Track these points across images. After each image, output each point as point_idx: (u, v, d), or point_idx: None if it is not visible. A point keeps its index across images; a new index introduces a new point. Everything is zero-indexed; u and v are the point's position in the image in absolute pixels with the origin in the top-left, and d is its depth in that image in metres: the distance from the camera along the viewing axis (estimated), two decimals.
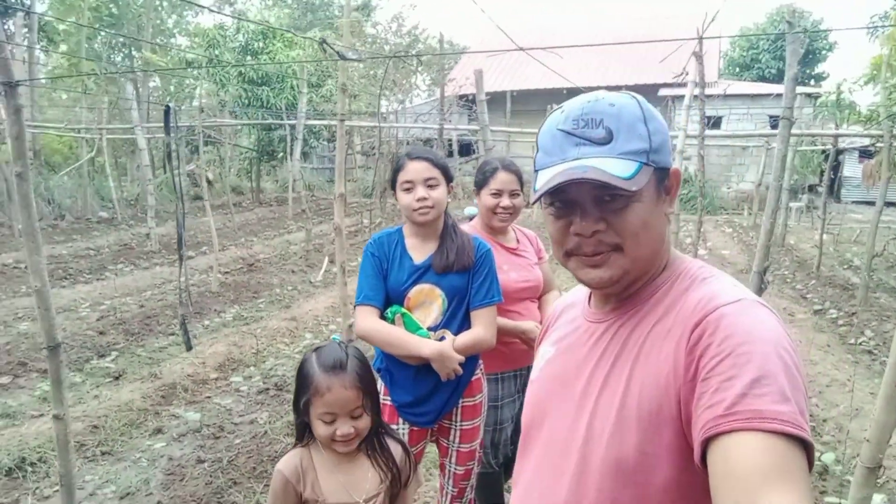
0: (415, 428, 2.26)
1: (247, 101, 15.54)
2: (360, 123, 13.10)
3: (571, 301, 1.23)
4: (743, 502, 0.71)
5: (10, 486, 3.22)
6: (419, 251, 2.23)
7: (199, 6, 18.25)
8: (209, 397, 4.38)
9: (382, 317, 2.16)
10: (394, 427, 2.23)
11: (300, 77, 10.69)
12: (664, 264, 1.03)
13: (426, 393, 2.20)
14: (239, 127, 17.99)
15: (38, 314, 2.30)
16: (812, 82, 29.48)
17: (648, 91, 19.15)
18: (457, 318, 2.22)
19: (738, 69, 31.35)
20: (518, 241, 2.68)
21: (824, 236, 9.06)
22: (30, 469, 3.33)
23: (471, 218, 2.74)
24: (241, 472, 3.37)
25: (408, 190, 2.14)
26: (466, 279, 2.23)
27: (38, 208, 12.50)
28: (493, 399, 2.55)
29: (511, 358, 2.58)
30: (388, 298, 2.20)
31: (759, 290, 3.75)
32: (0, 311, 6.30)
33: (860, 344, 5.67)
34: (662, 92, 18.08)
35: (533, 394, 1.15)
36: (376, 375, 2.18)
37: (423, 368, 2.14)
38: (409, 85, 18.36)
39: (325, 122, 13.32)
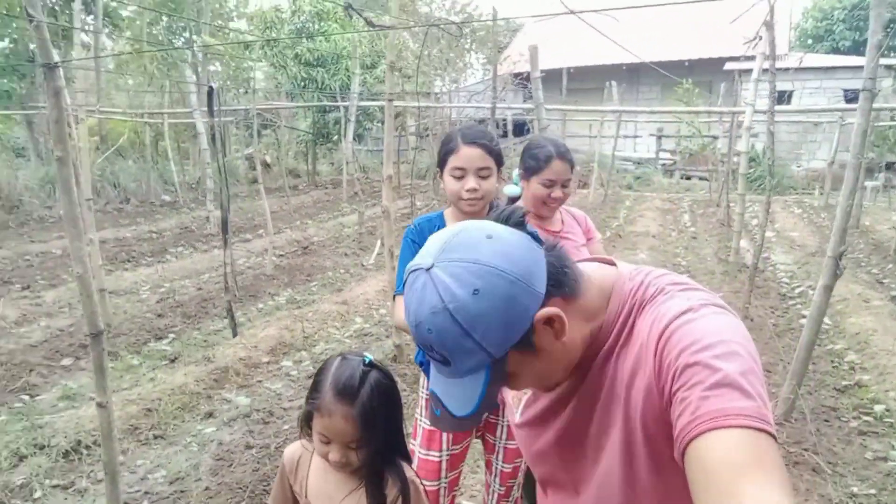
0: (455, 449, 2.17)
1: (303, 84, 15.64)
2: (410, 104, 13.00)
3: None
4: (722, 496, 0.71)
5: (67, 468, 3.30)
6: None
7: None
8: (260, 381, 4.41)
9: None
10: (436, 455, 2.16)
11: (353, 57, 10.60)
12: (605, 303, 0.98)
13: None
14: (296, 110, 18.22)
15: (81, 300, 2.29)
16: (892, 54, 27.66)
17: (713, 65, 18.36)
18: None
19: (810, 41, 29.72)
20: (563, 222, 2.53)
21: None
22: (85, 452, 3.41)
23: (512, 199, 2.59)
24: None
25: (458, 177, 2.00)
26: None
27: (104, 192, 12.97)
28: None
29: None
30: None
31: (834, 277, 3.49)
32: (66, 294, 6.52)
33: None
34: (729, 66, 17.29)
35: (521, 440, 1.16)
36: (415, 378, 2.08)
37: None
38: (463, 64, 18.13)
39: (377, 104, 13.24)
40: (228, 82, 18.67)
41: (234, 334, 5.06)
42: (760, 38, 5.80)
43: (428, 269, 0.87)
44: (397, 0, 4.54)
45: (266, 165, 18.57)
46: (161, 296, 6.60)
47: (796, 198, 14.94)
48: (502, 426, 2.21)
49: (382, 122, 17.38)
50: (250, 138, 19.41)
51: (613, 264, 1.06)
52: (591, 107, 12.11)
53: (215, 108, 4.56)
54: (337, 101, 13.98)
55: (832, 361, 4.73)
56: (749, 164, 12.93)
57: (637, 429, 0.91)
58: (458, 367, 0.87)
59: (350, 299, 6.29)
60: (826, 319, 5.06)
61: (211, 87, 4.56)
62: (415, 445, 2.19)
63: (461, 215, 2.08)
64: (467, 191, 1.99)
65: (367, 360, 1.49)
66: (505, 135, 19.32)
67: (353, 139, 14.13)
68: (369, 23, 3.03)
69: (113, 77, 18.27)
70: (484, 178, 2.01)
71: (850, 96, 17.37)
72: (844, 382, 4.32)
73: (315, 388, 1.45)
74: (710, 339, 0.82)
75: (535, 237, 0.94)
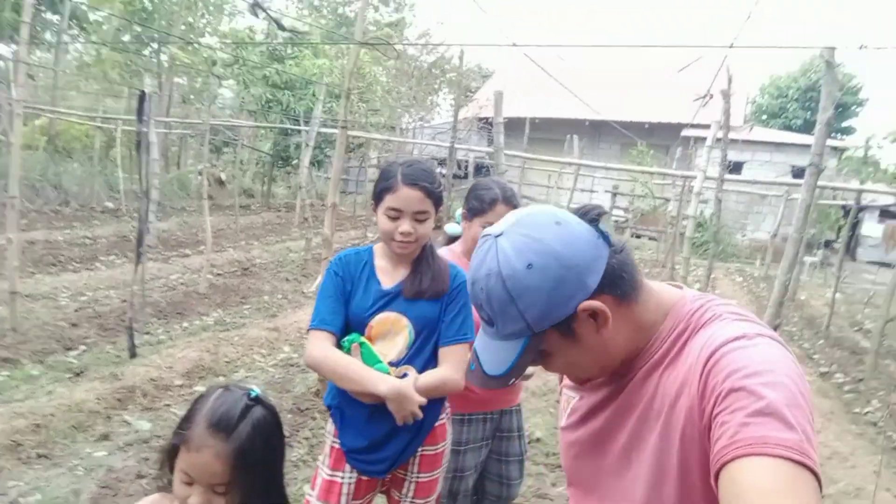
0: (364, 477, 1.99)
1: (267, 105, 15.48)
2: (373, 136, 12.95)
3: None
4: None
5: None
6: (389, 275, 1.98)
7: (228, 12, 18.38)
8: (168, 405, 4.14)
9: (339, 345, 1.91)
10: (339, 475, 1.98)
11: (319, 83, 10.52)
12: (663, 313, 1.00)
13: (381, 437, 1.93)
14: (260, 131, 18.00)
15: None
16: (839, 136, 29.12)
17: (671, 130, 18.94)
18: (423, 354, 1.96)
19: (765, 116, 31.10)
20: None
21: (837, 295, 8.72)
22: None
23: (452, 239, 2.48)
24: None
25: (393, 218, 1.86)
26: (438, 310, 1.97)
27: (43, 192, 12.44)
28: (456, 443, 2.29)
29: (481, 399, 2.33)
30: (348, 326, 1.94)
31: None
32: None
33: (866, 414, 5.34)
34: (686, 132, 17.85)
35: (564, 444, 1.17)
36: (322, 420, 1.91)
37: (379, 409, 1.86)
38: (430, 103, 18.28)
39: (329, 131, 13.15)
40: (192, 96, 18.39)
41: (132, 356, 4.72)
42: (711, 96, 5.93)
43: (496, 237, 0.94)
44: (361, 27, 4.47)
45: (220, 182, 18.23)
46: (81, 304, 6.25)
47: (738, 266, 15.35)
48: (411, 482, 2.05)
49: (347, 150, 17.30)
50: (211, 154, 19.11)
51: (680, 288, 1.07)
52: (550, 157, 12.25)
53: (145, 116, 4.36)
54: (299, 126, 13.84)
55: None
56: (696, 229, 13.26)
57: (673, 448, 0.90)
58: (499, 329, 0.94)
59: (282, 326, 6.06)
60: None
61: (143, 93, 4.39)
62: (311, 496, 2.01)
63: (391, 254, 1.97)
64: (401, 233, 1.86)
65: (253, 394, 1.32)
66: (465, 175, 19.44)
67: (313, 165, 14.01)
68: (279, 25, 2.93)
69: (74, 79, 17.80)
70: (420, 221, 1.88)
71: (798, 172, 18.10)
72: None
73: (186, 419, 1.27)
74: (758, 367, 0.82)
75: (606, 237, 0.96)
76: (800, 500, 0.70)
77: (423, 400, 1.81)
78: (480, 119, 15.89)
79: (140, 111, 4.42)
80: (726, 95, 6.29)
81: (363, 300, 1.93)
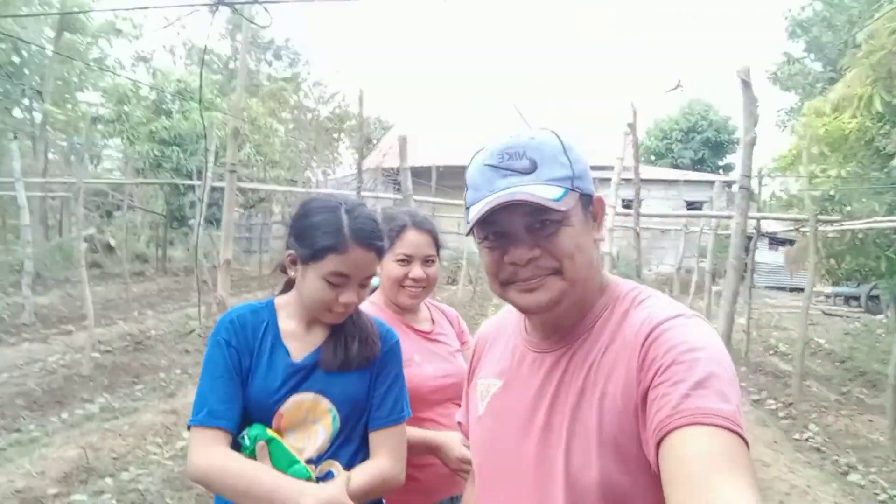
0: None
1: (156, 163, 14.56)
2: (272, 187, 12.37)
3: (500, 325, 1.26)
4: (692, 487, 0.74)
5: None
6: (300, 342, 1.48)
7: (112, 71, 17.39)
8: None
9: (236, 444, 1.39)
10: None
11: (208, 135, 9.89)
12: (601, 288, 1.06)
13: None
14: (153, 191, 16.90)
15: None
16: (721, 172, 31.12)
17: None
18: (351, 444, 1.49)
19: (653, 157, 32.83)
20: (433, 320, 2.02)
21: (750, 321, 8.89)
22: None
23: (371, 291, 2.07)
24: None
25: (334, 285, 1.40)
26: (367, 383, 1.51)
27: None
28: None
29: (426, 487, 1.86)
30: (246, 414, 1.42)
31: None
32: None
33: (807, 440, 5.28)
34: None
35: (484, 431, 1.15)
36: None
37: None
38: (332, 155, 17.89)
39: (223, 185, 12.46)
40: (73, 156, 17.14)
41: None
42: (680, 83, 5.88)
43: None
44: (240, 92, 4.01)
45: (109, 248, 16.88)
46: None
47: None
48: None
49: (243, 207, 16.48)
50: (101, 218, 17.72)
51: None
52: (461, 201, 12.11)
53: None
54: (192, 182, 13.05)
55: None
56: (612, 266, 13.44)
57: (609, 415, 0.93)
58: (543, 173, 0.98)
59: (182, 407, 5.33)
60: None
61: None
62: None
63: (300, 312, 1.50)
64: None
65: None
66: None
67: (210, 223, 13.18)
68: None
69: None
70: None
71: (691, 207, 18.97)
72: None
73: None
74: (697, 343, 0.88)
75: None
76: (736, 464, 0.75)
77: None
78: (385, 169, 15.64)
79: None
80: (632, 129, 6.32)
81: (269, 379, 1.42)
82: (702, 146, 32.12)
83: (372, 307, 1.89)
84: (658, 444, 0.82)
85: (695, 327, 0.92)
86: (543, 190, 0.95)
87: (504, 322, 1.23)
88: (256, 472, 1.33)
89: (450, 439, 1.74)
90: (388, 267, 1.86)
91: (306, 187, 16.17)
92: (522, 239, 0.99)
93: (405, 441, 1.56)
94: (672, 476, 0.78)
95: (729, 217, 10.23)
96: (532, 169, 0.97)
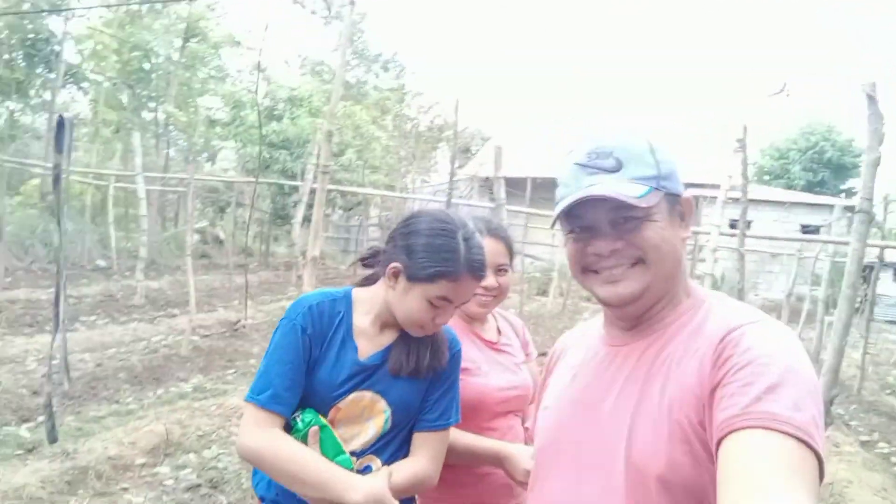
0: None
1: (266, 164, 15.29)
2: (369, 191, 12.64)
3: (580, 334, 1.26)
4: (749, 490, 0.71)
5: None
6: (370, 341, 1.46)
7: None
8: (125, 489, 3.58)
9: (288, 427, 1.38)
10: None
11: (312, 140, 10.26)
12: (687, 291, 1.06)
13: None
14: (262, 190, 17.79)
15: None
16: (843, 196, 28.93)
17: None
18: (394, 443, 1.48)
19: (767, 177, 31.03)
20: (500, 330, 1.95)
21: (866, 356, 8.15)
22: None
23: None
24: None
25: (436, 307, 1.42)
26: (424, 389, 1.49)
27: (32, 250, 12.08)
28: None
29: (485, 497, 1.80)
30: (303, 399, 1.41)
31: (823, 426, 2.95)
32: None
33: None
34: (690, 192, 17.61)
35: (550, 419, 1.16)
36: None
37: None
38: (429, 163, 18.13)
39: (329, 188, 12.85)
40: (190, 156, 18.30)
41: (52, 440, 3.92)
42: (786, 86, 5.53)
43: None
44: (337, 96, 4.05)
45: (218, 241, 17.89)
46: (52, 369, 5.71)
47: None
48: None
49: (342, 208, 17.01)
50: (214, 214, 18.85)
51: None
52: (547, 212, 11.93)
53: (63, 146, 3.80)
54: (296, 182, 13.60)
55: None
56: (712, 287, 12.79)
57: (675, 409, 0.92)
58: (628, 171, 1.00)
59: None
60: None
61: (61, 118, 3.81)
62: None
63: (384, 307, 1.48)
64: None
65: None
66: None
67: (308, 222, 13.67)
68: None
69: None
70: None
71: (806, 230, 17.74)
72: None
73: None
74: (777, 350, 0.86)
75: None
76: (800, 477, 0.71)
77: None
78: (480, 178, 15.66)
79: (58, 140, 3.85)
80: (742, 144, 5.96)
81: (334, 373, 1.41)
82: (822, 167, 29.99)
83: None
84: (720, 442, 0.80)
85: (777, 333, 0.91)
86: (627, 187, 0.97)
87: (583, 331, 1.26)
88: (307, 459, 1.33)
89: (518, 451, 1.67)
90: None
91: (403, 193, 16.50)
92: (605, 232, 1.01)
93: (446, 446, 1.54)
94: (726, 476, 0.75)
95: (846, 243, 9.47)
96: (618, 168, 1.00)
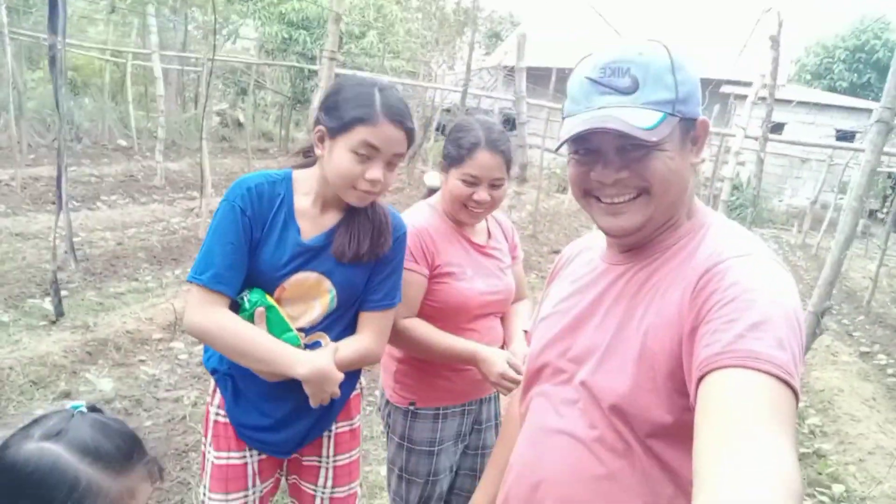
0: (263, 457, 1.58)
1: (284, 45, 14.85)
2: (385, 78, 12.29)
3: (587, 245, 1.24)
4: (729, 429, 0.71)
5: None
6: (312, 222, 1.48)
7: None
8: (143, 361, 3.80)
9: (234, 305, 1.43)
10: (240, 455, 1.54)
11: (329, 18, 9.86)
12: (688, 213, 1.04)
13: (285, 415, 1.52)
14: (280, 73, 17.38)
15: None
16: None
17: (709, 86, 17.97)
18: (342, 321, 1.55)
19: (808, 76, 29.55)
20: (490, 233, 1.96)
21: (881, 269, 8.10)
22: None
23: (431, 191, 2.02)
24: None
25: (363, 157, 1.38)
26: (367, 270, 1.53)
27: (54, 127, 12.11)
28: (429, 442, 1.88)
29: (459, 389, 1.90)
30: (249, 279, 1.45)
31: (812, 335, 2.99)
32: None
33: None
34: (725, 89, 16.91)
35: (546, 328, 1.17)
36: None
37: (283, 382, 1.45)
38: (455, 48, 17.46)
39: (346, 72, 12.51)
40: (208, 35, 17.77)
41: (59, 314, 4.12)
42: (772, 46, 5.23)
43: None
44: None
45: (239, 124, 17.75)
46: (75, 245, 5.91)
47: (774, 233, 14.63)
48: (326, 470, 1.66)
49: None
50: (236, 96, 18.56)
51: None
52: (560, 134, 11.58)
53: (58, 27, 3.66)
54: (314, 66, 13.25)
55: None
56: (733, 192, 12.56)
57: (650, 336, 0.93)
58: (643, 94, 0.93)
59: None
60: None
61: None
62: (207, 496, 1.56)
63: (325, 187, 1.47)
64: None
65: (79, 407, 0.95)
66: None
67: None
68: None
69: (87, 10, 17.28)
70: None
71: (841, 136, 17.12)
72: (802, 450, 3.85)
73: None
74: (761, 285, 0.84)
75: None
76: (779, 415, 0.71)
77: (341, 377, 1.43)
78: (506, 67, 15.12)
79: (52, 20, 3.67)
80: (775, 42, 5.63)
81: (276, 254, 1.44)
82: (869, 69, 28.33)
83: (429, 210, 1.86)
84: (700, 380, 0.79)
85: (765, 268, 0.87)
86: (638, 116, 0.91)
87: (588, 243, 1.24)
88: (254, 336, 1.39)
89: (493, 354, 1.74)
90: (453, 183, 1.77)
91: (425, 80, 16.04)
92: (611, 160, 0.97)
93: (391, 324, 1.61)
94: (707, 414, 0.75)
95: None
96: (633, 89, 0.93)
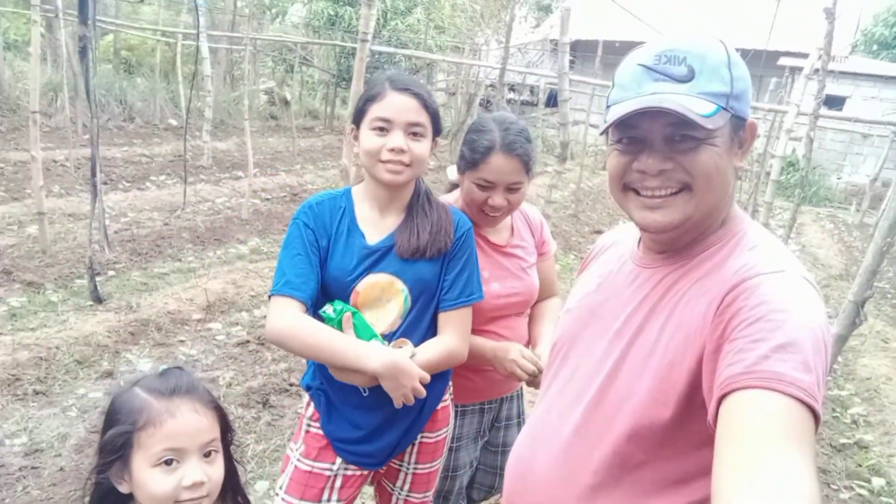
0: (353, 470, 1.62)
1: (331, 22, 14.89)
2: (428, 56, 12.21)
3: (620, 237, 1.22)
4: (748, 453, 0.71)
5: None
6: (375, 226, 1.57)
7: None
8: (182, 341, 3.93)
9: (317, 317, 1.51)
10: (323, 466, 1.60)
11: None
12: (723, 221, 1.00)
13: (376, 427, 1.57)
14: (326, 50, 17.44)
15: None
16: None
17: (766, 59, 17.22)
18: (422, 324, 1.59)
19: (875, 47, 28.00)
20: (513, 230, 1.92)
21: None
22: None
23: (454, 185, 1.99)
24: None
25: (380, 130, 1.47)
26: (439, 268, 1.57)
27: (108, 108, 12.49)
28: (450, 438, 1.88)
29: (481, 387, 1.90)
30: (325, 290, 1.54)
31: (852, 325, 2.87)
32: (18, 210, 6.05)
33: None
34: (783, 61, 16.19)
35: (568, 322, 1.17)
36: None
37: (373, 394, 1.51)
38: (500, 23, 17.16)
39: (390, 50, 12.45)
40: (255, 10, 17.96)
41: (98, 300, 4.22)
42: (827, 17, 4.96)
43: None
44: None
45: (285, 103, 17.94)
46: (122, 226, 6.13)
47: (830, 211, 14.05)
48: (407, 473, 1.70)
49: (411, 72, 16.61)
50: (285, 73, 18.74)
51: None
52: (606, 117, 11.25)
53: (88, 17, 3.74)
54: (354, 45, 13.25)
55: (833, 411, 4.12)
56: (787, 170, 12.07)
57: (672, 343, 0.92)
58: (699, 84, 0.91)
59: None
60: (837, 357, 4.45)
61: None
62: (282, 496, 1.62)
63: (377, 190, 1.56)
64: (390, 150, 1.48)
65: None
66: (536, 103, 18.41)
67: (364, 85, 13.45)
68: None
69: None
70: (416, 136, 1.51)
71: None
72: (843, 440, 3.73)
73: (119, 415, 1.10)
74: (790, 305, 0.82)
75: None
76: (800, 440, 0.71)
77: (425, 375, 1.46)
78: (553, 41, 14.82)
79: (82, 11, 3.78)
80: (830, 14, 5.33)
81: (345, 259, 1.53)
82: None
83: (449, 202, 1.83)
84: (722, 398, 0.78)
85: (794, 287, 0.86)
86: (695, 103, 0.89)
87: (624, 234, 1.22)
88: (328, 334, 1.46)
89: (507, 345, 1.73)
90: (468, 187, 1.74)
91: (471, 57, 15.86)
92: (658, 149, 0.94)
93: (470, 320, 1.63)
94: (728, 434, 0.74)
95: None
96: (689, 78, 0.91)
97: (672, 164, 0.93)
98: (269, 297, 1.51)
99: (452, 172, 2.06)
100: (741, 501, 0.67)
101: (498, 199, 1.71)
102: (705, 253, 0.98)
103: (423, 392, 1.47)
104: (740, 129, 0.96)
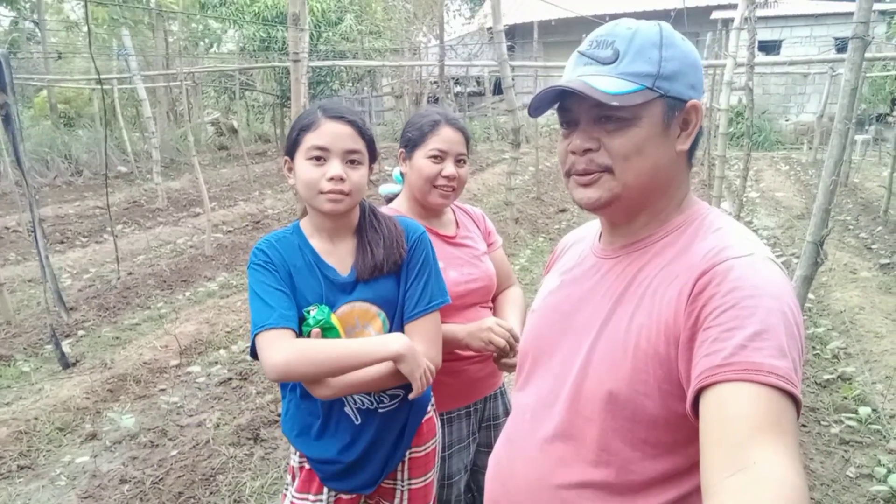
0: (344, 496, 1.62)
1: (264, 45, 14.76)
2: (365, 63, 12.18)
3: (581, 235, 1.24)
4: (732, 448, 0.72)
5: None
6: (339, 258, 1.53)
7: None
8: (163, 390, 3.86)
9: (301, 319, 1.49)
10: (311, 497, 1.62)
11: (302, 16, 9.75)
12: (680, 206, 1.01)
13: (361, 455, 1.58)
14: (264, 73, 17.28)
15: None
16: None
17: (700, 15, 17.51)
18: None
19: None
20: (458, 223, 1.95)
21: (895, 174, 7.90)
22: None
23: (389, 199, 2.01)
24: (165, 497, 2.83)
25: (316, 160, 1.42)
26: (398, 282, 1.57)
27: (53, 165, 12.23)
28: (440, 448, 1.88)
29: (462, 390, 1.90)
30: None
31: (815, 265, 2.93)
32: None
33: None
34: (715, 15, 16.47)
35: (533, 323, 1.17)
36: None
37: (357, 431, 1.56)
38: (436, 17, 17.17)
39: (328, 63, 12.39)
40: (187, 43, 17.73)
41: (66, 366, 4.12)
42: None
43: None
44: None
45: (233, 131, 17.73)
46: (85, 283, 6.01)
47: (784, 154, 14.36)
48: (401, 492, 1.69)
49: (350, 82, 16.49)
50: (228, 100, 18.51)
51: None
52: (562, 63, 11.33)
53: (5, 83, 3.69)
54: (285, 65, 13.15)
55: (814, 348, 4.21)
56: (736, 121, 12.27)
57: (643, 335, 0.91)
58: (622, 66, 0.92)
59: None
60: (809, 295, 4.55)
61: None
62: None
63: (321, 221, 1.51)
64: (329, 180, 1.42)
65: None
66: (482, 94, 18.47)
67: (306, 102, 13.36)
68: None
69: (69, 40, 17.28)
70: (353, 164, 1.46)
71: (842, 45, 16.62)
72: (826, 376, 3.81)
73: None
74: (764, 290, 0.82)
75: None
76: (782, 429, 0.73)
77: (425, 361, 1.49)
78: (489, 30, 14.87)
79: (0, 78, 3.73)
80: None
81: (315, 293, 1.50)
82: None
83: (392, 213, 1.83)
84: (700, 391, 0.79)
85: (764, 270, 0.86)
86: (609, 82, 0.91)
87: (586, 232, 1.23)
88: (333, 342, 1.44)
89: (476, 324, 1.74)
90: (420, 164, 1.77)
91: (410, 57, 15.86)
92: (586, 129, 0.96)
93: (439, 326, 1.60)
94: (711, 429, 0.76)
95: (873, 59, 8.83)
96: (612, 59, 0.93)
97: (596, 145, 0.95)
98: (256, 334, 1.41)
99: (387, 189, 2.08)
100: (727, 496, 0.70)
101: (451, 168, 1.76)
102: (666, 239, 0.98)
103: (430, 379, 1.49)
104: (678, 110, 0.95)
